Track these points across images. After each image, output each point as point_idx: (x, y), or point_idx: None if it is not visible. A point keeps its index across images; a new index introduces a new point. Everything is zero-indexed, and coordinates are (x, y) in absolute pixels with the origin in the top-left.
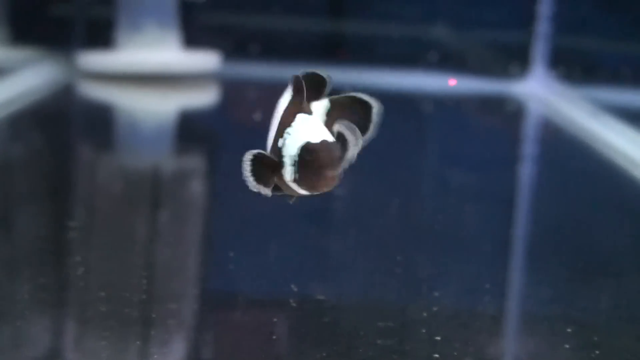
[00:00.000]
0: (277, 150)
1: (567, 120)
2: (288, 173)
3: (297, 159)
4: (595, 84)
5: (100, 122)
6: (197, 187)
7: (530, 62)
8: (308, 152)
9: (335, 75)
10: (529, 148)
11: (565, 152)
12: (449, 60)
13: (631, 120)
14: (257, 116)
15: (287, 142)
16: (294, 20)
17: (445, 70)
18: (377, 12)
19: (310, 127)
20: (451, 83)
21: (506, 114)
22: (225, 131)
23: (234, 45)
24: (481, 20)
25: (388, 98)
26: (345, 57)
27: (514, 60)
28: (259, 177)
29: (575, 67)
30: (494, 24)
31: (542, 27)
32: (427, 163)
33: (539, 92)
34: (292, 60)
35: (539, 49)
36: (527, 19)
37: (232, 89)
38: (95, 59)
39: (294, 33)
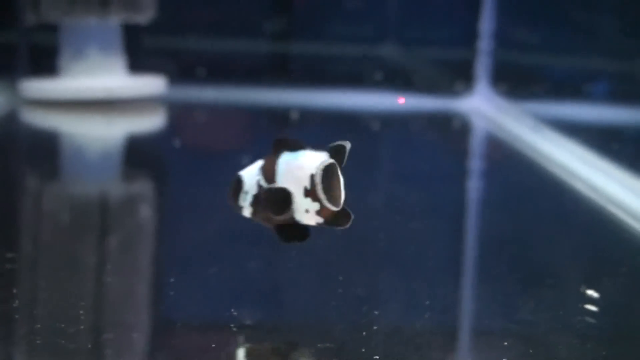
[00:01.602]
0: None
1: (510, 135)
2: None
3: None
4: (537, 98)
5: (45, 149)
6: (144, 213)
7: (474, 79)
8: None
9: (284, 95)
10: (473, 163)
11: (509, 166)
12: (396, 79)
13: (570, 133)
14: (205, 140)
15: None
16: (240, 43)
17: (392, 89)
18: (324, 32)
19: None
20: (400, 101)
21: (452, 130)
22: (172, 155)
23: (180, 69)
24: (427, 39)
25: (336, 117)
26: (294, 78)
27: (458, 78)
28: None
29: (517, 82)
30: (440, 42)
31: (485, 45)
32: (374, 180)
33: (483, 108)
34: (238, 83)
35: (482, 66)
36: (470, 37)
37: (178, 113)
38: (39, 86)
39: (241, 55)
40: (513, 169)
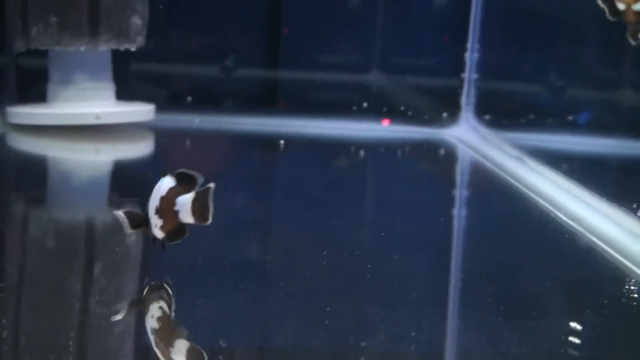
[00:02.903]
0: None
1: (494, 164)
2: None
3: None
4: (521, 128)
5: (32, 175)
6: (131, 240)
7: (459, 108)
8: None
9: (271, 122)
10: (458, 192)
11: (493, 196)
12: (382, 107)
13: (554, 163)
14: (192, 166)
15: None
16: (229, 70)
17: (379, 117)
18: (312, 60)
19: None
20: (384, 123)
21: (437, 159)
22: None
23: (169, 96)
24: (413, 68)
25: (324, 145)
26: (282, 106)
27: (444, 107)
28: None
29: (502, 112)
30: (426, 71)
31: (471, 74)
32: (360, 210)
33: (468, 137)
34: (226, 110)
35: (468, 96)
36: (456, 67)
37: (166, 140)
38: (27, 112)
39: (229, 82)
40: (497, 199)
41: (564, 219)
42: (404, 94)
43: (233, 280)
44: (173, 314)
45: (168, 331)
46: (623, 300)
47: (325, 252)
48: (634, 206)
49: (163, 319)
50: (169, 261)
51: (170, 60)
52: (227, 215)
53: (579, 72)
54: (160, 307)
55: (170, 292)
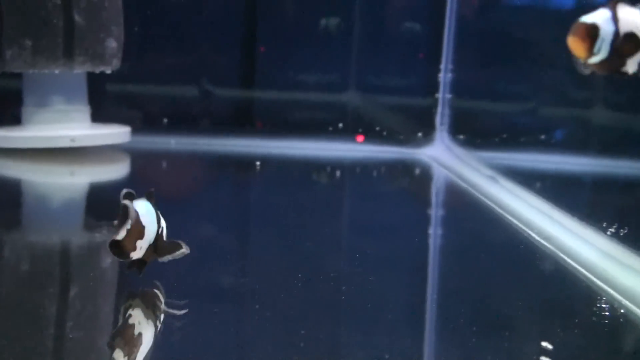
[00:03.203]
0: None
1: (469, 184)
2: None
3: None
4: (495, 147)
5: (7, 198)
6: (107, 263)
7: (434, 128)
8: None
9: (247, 142)
10: (432, 212)
11: (467, 216)
12: (359, 127)
13: (527, 183)
14: (168, 188)
15: None
16: (205, 91)
17: (355, 137)
18: (288, 80)
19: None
20: (359, 139)
21: (412, 179)
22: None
23: (144, 118)
24: (389, 88)
25: (300, 165)
26: (260, 127)
27: (419, 126)
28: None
29: (476, 132)
30: (401, 91)
31: (445, 95)
32: (335, 230)
33: (443, 156)
34: (202, 131)
35: (443, 116)
36: (431, 87)
37: (142, 162)
38: (2, 135)
39: (205, 103)
40: (471, 219)
41: (536, 238)
42: (380, 114)
43: (208, 304)
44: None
45: None
46: (594, 319)
47: (300, 275)
48: (604, 225)
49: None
50: (143, 285)
51: (145, 81)
52: (201, 237)
53: (551, 91)
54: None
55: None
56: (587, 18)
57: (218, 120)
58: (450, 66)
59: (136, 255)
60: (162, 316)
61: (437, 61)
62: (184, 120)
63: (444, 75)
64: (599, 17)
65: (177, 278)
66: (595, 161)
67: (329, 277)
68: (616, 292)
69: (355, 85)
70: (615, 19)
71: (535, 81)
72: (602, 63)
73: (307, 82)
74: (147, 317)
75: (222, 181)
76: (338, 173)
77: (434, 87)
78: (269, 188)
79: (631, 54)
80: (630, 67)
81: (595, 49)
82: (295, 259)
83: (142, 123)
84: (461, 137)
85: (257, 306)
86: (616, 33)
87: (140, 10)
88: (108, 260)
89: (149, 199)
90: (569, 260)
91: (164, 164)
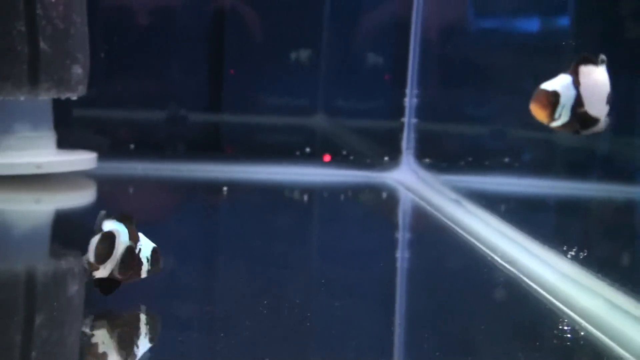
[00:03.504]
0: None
1: (434, 208)
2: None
3: None
4: (460, 171)
5: None
6: (72, 291)
7: (401, 152)
8: None
9: (217, 169)
10: (398, 236)
11: (432, 240)
12: (326, 152)
13: (490, 206)
14: (134, 214)
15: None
16: (172, 116)
17: (320, 161)
18: (256, 104)
19: None
20: (325, 159)
21: (378, 203)
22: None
23: (111, 143)
24: (356, 112)
25: (267, 190)
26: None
27: (386, 150)
28: None
29: (441, 155)
30: (368, 115)
31: (410, 119)
32: (302, 255)
33: (409, 180)
34: (169, 156)
35: (409, 140)
36: (397, 111)
37: (108, 188)
38: None
39: (172, 128)
40: (436, 243)
41: (500, 261)
42: (347, 138)
43: (173, 331)
44: None
45: None
46: (555, 341)
47: (265, 302)
48: (565, 248)
49: None
50: (108, 313)
51: (112, 107)
52: (166, 263)
53: (515, 114)
54: None
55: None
56: (548, 85)
57: (186, 145)
58: (415, 90)
59: (102, 274)
60: (129, 342)
61: (403, 85)
62: (151, 145)
63: (410, 100)
64: (560, 83)
65: (142, 305)
66: (559, 183)
67: (294, 304)
68: (576, 315)
69: (323, 109)
70: (576, 83)
71: (500, 104)
72: (564, 125)
73: (276, 106)
74: (113, 344)
75: (188, 207)
76: (306, 197)
77: (400, 111)
78: (235, 213)
79: (592, 126)
80: (592, 130)
81: (556, 115)
82: (261, 285)
83: (109, 149)
84: (427, 160)
85: (222, 334)
86: (577, 97)
87: (107, 36)
88: (75, 287)
89: (124, 221)
90: (531, 284)
91: (131, 190)
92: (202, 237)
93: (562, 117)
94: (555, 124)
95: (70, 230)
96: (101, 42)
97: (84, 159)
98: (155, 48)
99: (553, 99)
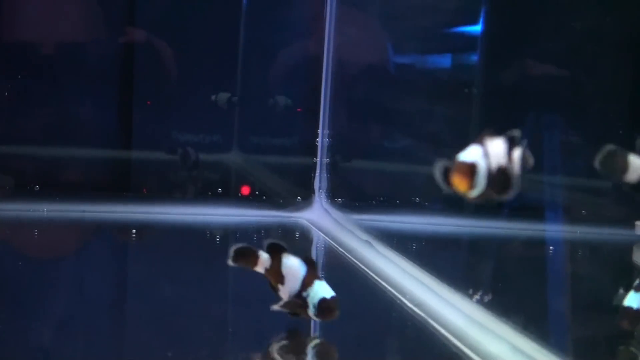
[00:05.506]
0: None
1: (345, 249)
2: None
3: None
4: (373, 210)
5: None
6: None
7: (313, 192)
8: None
9: (126, 210)
10: None
11: (342, 282)
12: (239, 192)
13: (402, 246)
14: (38, 255)
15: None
16: (79, 153)
17: (235, 201)
18: (167, 139)
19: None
20: (244, 192)
21: (291, 244)
22: (3, 272)
23: (15, 184)
24: (269, 150)
25: (177, 232)
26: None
27: (299, 190)
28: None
29: (353, 195)
30: (282, 154)
31: (322, 159)
32: (210, 301)
33: (322, 221)
34: (76, 195)
35: (321, 179)
36: (309, 151)
37: (9, 231)
38: None
39: (78, 166)
40: (346, 286)
41: (409, 304)
42: (261, 176)
43: None
44: None
45: None
46: None
47: (170, 354)
48: (470, 291)
49: None
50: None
51: (16, 145)
52: (64, 315)
53: (426, 153)
54: None
55: None
56: (465, 156)
57: (95, 185)
58: (327, 130)
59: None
60: None
61: (316, 125)
62: (55, 184)
63: (322, 139)
64: (475, 154)
65: (62, 338)
66: (471, 222)
67: (201, 355)
68: (481, 359)
69: (238, 146)
70: (486, 154)
71: (411, 144)
72: (479, 195)
73: (188, 143)
74: None
75: (94, 250)
76: (218, 238)
77: (313, 150)
78: (143, 257)
79: (505, 189)
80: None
81: (474, 184)
82: (168, 334)
83: (12, 189)
84: (339, 200)
85: None
86: (488, 168)
87: (10, 75)
88: None
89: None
90: (438, 327)
91: (34, 231)
92: (104, 283)
93: (479, 186)
94: (472, 194)
95: None
96: (5, 81)
97: None
98: (62, 83)
99: (473, 169)
